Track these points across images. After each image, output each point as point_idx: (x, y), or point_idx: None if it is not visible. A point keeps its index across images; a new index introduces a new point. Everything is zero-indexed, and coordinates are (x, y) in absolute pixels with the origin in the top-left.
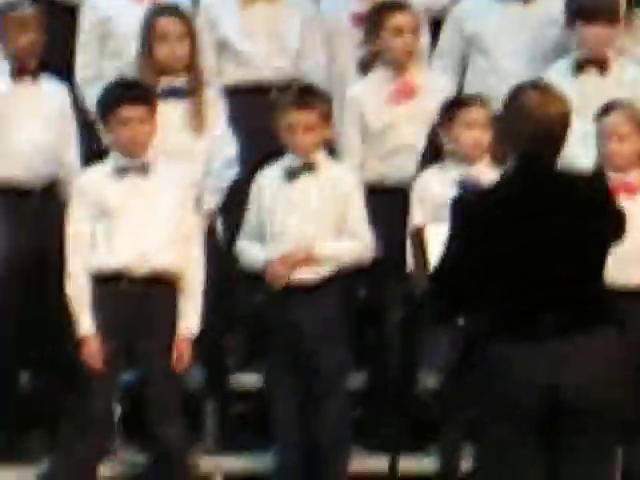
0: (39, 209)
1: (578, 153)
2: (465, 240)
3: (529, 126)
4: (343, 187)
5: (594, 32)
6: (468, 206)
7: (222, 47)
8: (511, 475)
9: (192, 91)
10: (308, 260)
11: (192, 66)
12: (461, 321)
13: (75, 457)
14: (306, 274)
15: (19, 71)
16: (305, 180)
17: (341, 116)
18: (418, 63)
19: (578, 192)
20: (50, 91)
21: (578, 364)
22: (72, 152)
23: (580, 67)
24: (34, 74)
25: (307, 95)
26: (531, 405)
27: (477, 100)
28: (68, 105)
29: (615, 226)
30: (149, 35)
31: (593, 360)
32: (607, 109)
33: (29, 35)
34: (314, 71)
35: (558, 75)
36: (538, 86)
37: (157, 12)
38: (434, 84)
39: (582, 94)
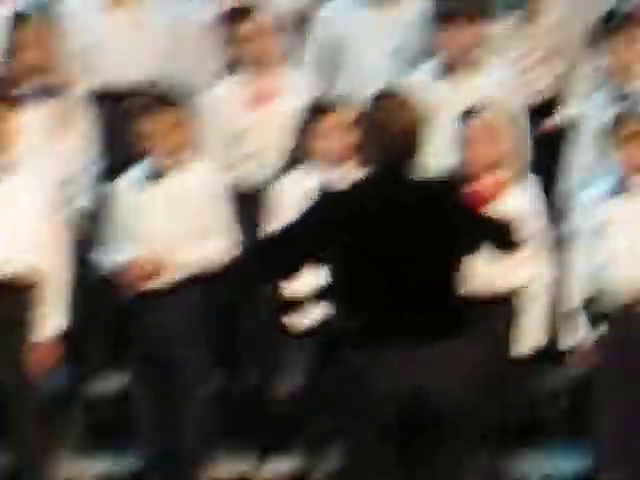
0: None
1: (445, 156)
2: (314, 236)
3: (386, 135)
4: (204, 189)
5: (455, 35)
6: (327, 205)
7: (88, 50)
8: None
9: (56, 94)
10: (159, 269)
11: (56, 70)
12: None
13: None
14: (163, 279)
15: None
16: (164, 184)
17: (203, 118)
18: (278, 66)
19: (433, 199)
20: None
21: (440, 370)
22: None
23: (446, 69)
24: None
25: (160, 100)
26: (393, 411)
27: (337, 106)
28: None
29: (495, 236)
30: (13, 39)
31: (455, 365)
32: (469, 113)
33: None
34: (181, 73)
35: (425, 77)
36: (394, 94)
37: (21, 17)
38: (294, 87)
39: (450, 96)
